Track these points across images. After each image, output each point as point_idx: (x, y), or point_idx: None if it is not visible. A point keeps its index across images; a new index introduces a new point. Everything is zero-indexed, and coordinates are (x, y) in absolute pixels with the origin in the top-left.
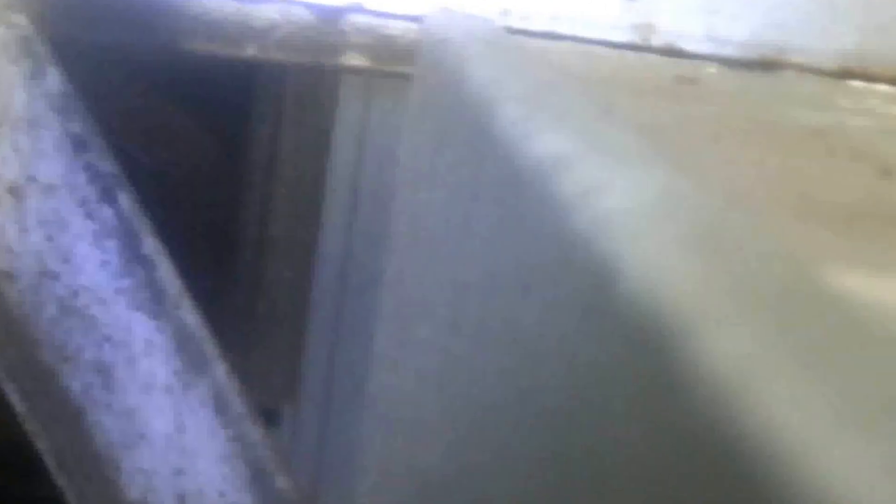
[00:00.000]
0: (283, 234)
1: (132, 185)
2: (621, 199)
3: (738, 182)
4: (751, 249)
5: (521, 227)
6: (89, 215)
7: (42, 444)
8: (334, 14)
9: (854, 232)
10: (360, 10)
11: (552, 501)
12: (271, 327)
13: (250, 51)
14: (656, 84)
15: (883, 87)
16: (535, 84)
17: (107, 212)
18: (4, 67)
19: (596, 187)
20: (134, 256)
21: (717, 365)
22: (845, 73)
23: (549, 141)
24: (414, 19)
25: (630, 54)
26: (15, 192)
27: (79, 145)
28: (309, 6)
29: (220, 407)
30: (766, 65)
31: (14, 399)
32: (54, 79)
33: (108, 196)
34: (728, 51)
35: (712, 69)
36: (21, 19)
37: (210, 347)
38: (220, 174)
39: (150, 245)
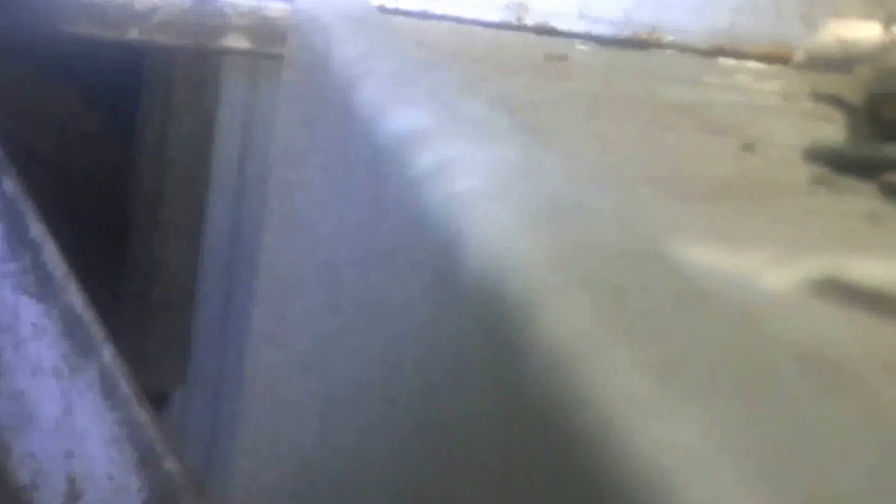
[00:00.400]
0: (173, 217)
1: (23, 170)
2: (474, 177)
3: (602, 157)
4: (596, 222)
5: (383, 205)
6: None
7: None
8: None
9: (713, 204)
10: None
11: (416, 474)
12: (163, 311)
13: (132, 33)
14: (527, 62)
15: (752, 64)
16: (399, 61)
17: None
18: None
19: (449, 163)
20: (19, 240)
21: (551, 335)
22: (717, 51)
23: (408, 117)
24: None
25: (504, 33)
26: None
27: None
28: None
29: (108, 390)
30: (638, 43)
31: None
32: None
33: None
34: (601, 29)
35: (584, 47)
36: None
37: (97, 331)
38: (112, 158)
39: (36, 229)
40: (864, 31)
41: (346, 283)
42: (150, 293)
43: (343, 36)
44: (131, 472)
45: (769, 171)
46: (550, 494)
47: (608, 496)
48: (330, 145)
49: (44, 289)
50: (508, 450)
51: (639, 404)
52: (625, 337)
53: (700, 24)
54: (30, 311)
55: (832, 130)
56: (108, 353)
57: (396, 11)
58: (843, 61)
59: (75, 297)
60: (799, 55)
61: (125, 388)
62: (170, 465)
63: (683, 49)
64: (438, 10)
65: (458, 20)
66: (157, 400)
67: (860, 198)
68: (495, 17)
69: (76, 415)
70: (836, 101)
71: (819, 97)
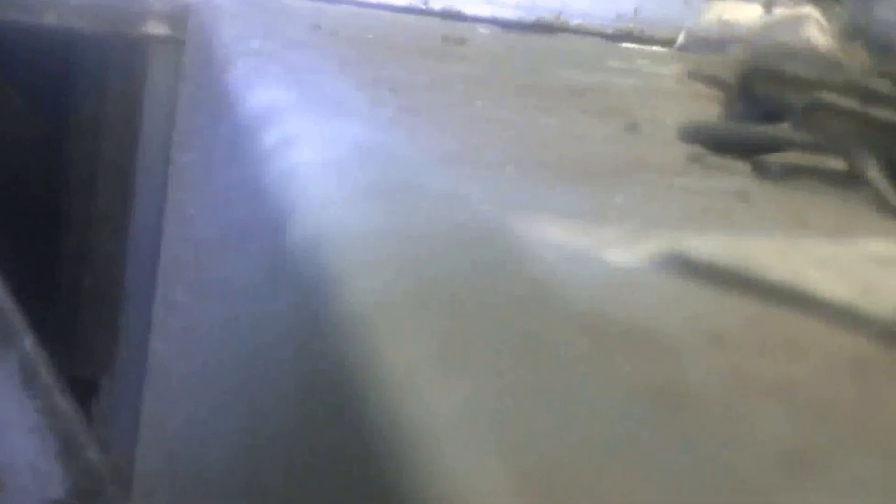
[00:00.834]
0: (103, 207)
1: None
2: (314, 152)
3: (471, 138)
4: (425, 201)
5: (239, 183)
6: None
7: None
8: None
9: (581, 184)
10: None
11: (248, 442)
12: (92, 299)
13: (50, 18)
14: (423, 44)
15: (654, 49)
16: (273, 41)
17: None
18: None
19: (294, 139)
20: None
21: (351, 306)
22: (622, 36)
23: (266, 95)
24: None
25: (407, 17)
26: None
27: None
28: None
29: (29, 379)
30: (543, 28)
31: None
32: None
33: None
34: (507, 13)
35: (486, 31)
36: None
37: (17, 320)
38: (41, 148)
39: None
40: (745, 13)
41: (209, 265)
42: (80, 282)
43: (228, 17)
44: (52, 460)
45: (647, 151)
46: (342, 457)
47: (382, 463)
48: (204, 126)
49: None
50: (312, 422)
51: (415, 372)
52: (419, 307)
53: (606, 9)
54: None
55: (719, 112)
56: (28, 342)
57: None
58: (722, 43)
59: None
60: (680, 38)
61: (46, 376)
62: (92, 454)
63: (589, 34)
64: None
65: (362, 4)
66: (87, 388)
67: (732, 176)
68: (402, 0)
69: None
70: (712, 81)
71: (695, 77)
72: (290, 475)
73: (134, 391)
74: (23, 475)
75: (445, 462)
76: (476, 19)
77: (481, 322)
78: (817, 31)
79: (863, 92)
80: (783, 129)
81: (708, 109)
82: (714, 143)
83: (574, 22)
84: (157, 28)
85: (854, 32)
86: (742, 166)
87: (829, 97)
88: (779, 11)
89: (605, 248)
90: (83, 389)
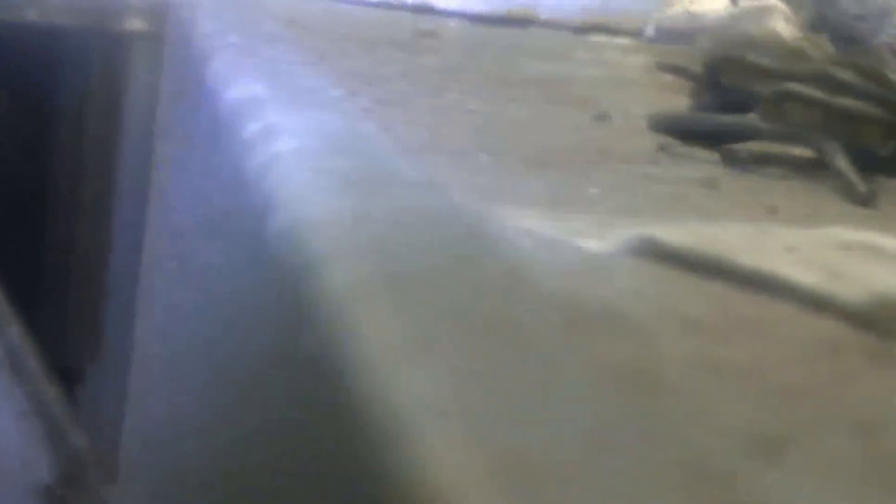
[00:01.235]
0: (88, 198)
1: None
2: (293, 141)
3: (441, 128)
4: (400, 188)
5: (217, 174)
6: None
7: None
8: None
9: (550, 172)
10: None
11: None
12: (75, 289)
13: (30, 15)
14: (394, 38)
15: (622, 41)
16: (250, 35)
17: None
18: None
19: (272, 129)
20: None
21: (330, 290)
22: (589, 28)
23: (244, 87)
24: None
25: (380, 12)
26: None
27: None
28: None
29: (15, 366)
30: (512, 21)
31: None
32: None
33: None
34: (476, 7)
35: (456, 24)
36: None
37: (4, 308)
38: (26, 139)
39: None
40: (712, 4)
41: (186, 253)
42: (64, 272)
43: (205, 13)
44: (39, 448)
45: (615, 141)
46: (321, 440)
47: (358, 445)
48: (184, 118)
49: None
50: (292, 405)
51: (391, 354)
52: (392, 294)
53: (573, 2)
54: None
55: (687, 102)
56: (15, 330)
57: None
58: (689, 34)
59: None
60: (649, 29)
61: (33, 364)
62: (77, 441)
63: (557, 27)
64: None
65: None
66: (72, 376)
67: (700, 165)
68: None
69: None
70: (680, 72)
71: (663, 68)
72: (272, 459)
73: (118, 379)
74: (10, 462)
75: (419, 443)
76: (447, 13)
77: (455, 306)
78: (783, 23)
79: (828, 82)
80: (750, 118)
81: (675, 100)
82: (682, 132)
83: (543, 15)
84: (136, 24)
85: (819, 24)
86: (710, 155)
87: (796, 87)
88: (745, 3)
89: (576, 235)
90: (68, 378)
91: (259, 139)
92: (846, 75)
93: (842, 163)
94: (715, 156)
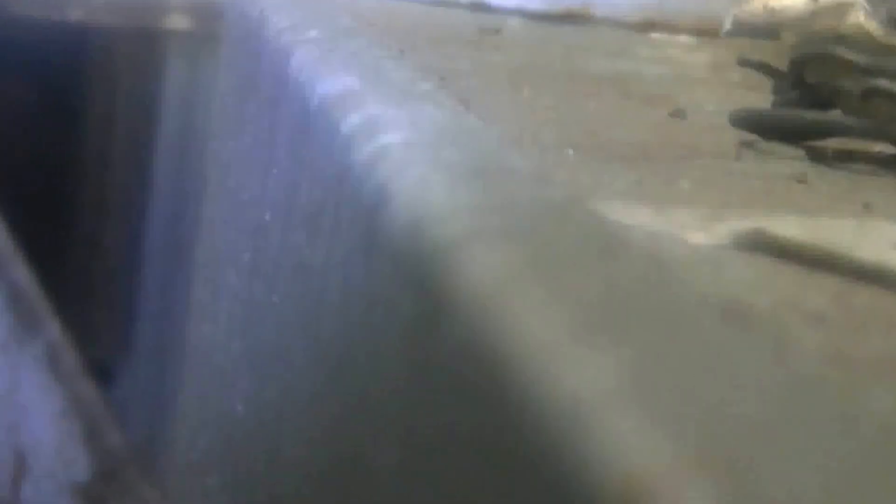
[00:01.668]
0: (117, 194)
1: None
2: (399, 133)
3: (523, 123)
4: (517, 180)
5: (310, 167)
6: None
7: None
8: None
9: (638, 167)
10: None
11: (335, 432)
12: (106, 284)
13: (75, 15)
14: (458, 35)
15: (683, 38)
16: (330, 30)
17: None
18: None
19: (377, 121)
20: None
21: (471, 280)
22: (648, 26)
23: (337, 80)
24: None
25: (437, 9)
26: None
27: None
28: None
29: (54, 364)
30: (570, 18)
31: None
32: None
33: None
34: (533, 5)
35: (516, 22)
36: None
37: (42, 306)
38: (53, 137)
39: None
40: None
41: (269, 247)
42: (93, 266)
43: (275, 8)
44: (77, 446)
45: (696, 137)
46: (466, 438)
47: (523, 436)
48: (260, 112)
49: None
50: (425, 401)
51: (554, 345)
52: (543, 281)
53: (630, 1)
54: None
55: (760, 99)
56: (53, 328)
57: None
58: (769, 28)
59: (20, 273)
60: (726, 23)
61: (71, 362)
62: (114, 438)
63: (614, 24)
64: None
65: None
66: (99, 372)
67: (787, 161)
68: None
69: (22, 389)
70: (762, 68)
71: (745, 64)
72: (406, 453)
73: (152, 375)
74: (47, 459)
75: (606, 431)
76: (504, 11)
77: (609, 294)
78: (864, 18)
79: None
80: (835, 114)
81: (746, 97)
82: (765, 129)
83: (599, 13)
84: (178, 22)
85: None
86: (795, 152)
87: (884, 83)
88: None
89: (680, 228)
90: (99, 373)
91: (362, 132)
92: None
93: None
94: (799, 152)
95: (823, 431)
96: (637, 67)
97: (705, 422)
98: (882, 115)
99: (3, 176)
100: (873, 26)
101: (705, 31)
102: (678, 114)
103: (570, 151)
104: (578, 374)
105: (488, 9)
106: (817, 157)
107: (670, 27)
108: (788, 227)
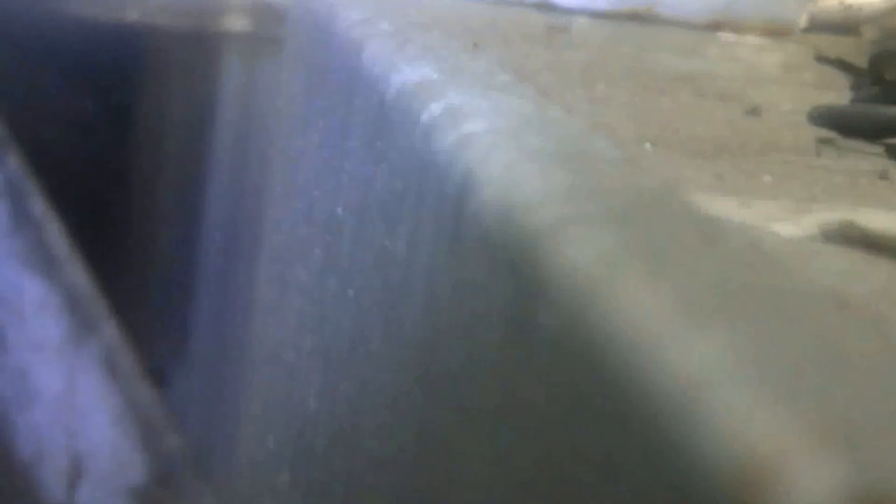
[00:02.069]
0: (172, 196)
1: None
2: (483, 121)
3: (605, 118)
4: (605, 166)
5: (387, 158)
6: None
7: None
8: None
9: (718, 162)
10: None
11: (417, 425)
12: (160, 287)
13: (133, 15)
14: (527, 32)
15: (752, 39)
16: (402, 23)
17: None
18: None
19: (459, 111)
20: (23, 218)
21: (572, 262)
22: (715, 27)
23: (414, 70)
24: None
25: (504, 8)
26: None
27: None
28: None
29: (111, 367)
30: (635, 18)
31: None
32: None
33: None
34: (599, 5)
35: (583, 20)
36: None
37: (100, 308)
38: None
39: (39, 207)
40: None
41: (343, 241)
42: (147, 271)
43: (344, 3)
44: (134, 449)
45: (773, 134)
46: (573, 426)
47: (634, 414)
48: (331, 107)
49: (47, 266)
50: (524, 388)
51: (668, 324)
52: (645, 264)
53: (697, 1)
54: (33, 287)
55: (834, 98)
56: (110, 330)
57: None
58: (846, 24)
59: (78, 275)
60: (802, 20)
61: (128, 365)
62: (171, 442)
63: (681, 25)
64: None
65: None
66: (154, 376)
67: (867, 157)
68: None
69: (79, 391)
70: (840, 65)
71: (822, 60)
72: (502, 446)
73: (208, 378)
74: (103, 463)
75: (727, 411)
76: (569, 10)
77: (717, 277)
78: None
79: None
80: None
81: (821, 96)
82: (845, 126)
83: (665, 13)
84: (236, 23)
85: None
86: (873, 148)
87: None
88: None
89: (769, 221)
90: (154, 378)
91: (444, 121)
92: None
93: None
94: (878, 149)
95: None
96: (708, 66)
97: (823, 399)
98: None
99: (58, 179)
100: None
101: (773, 33)
102: (754, 111)
103: (649, 146)
104: (695, 353)
105: (554, 8)
106: None
107: (737, 28)
108: (876, 221)
